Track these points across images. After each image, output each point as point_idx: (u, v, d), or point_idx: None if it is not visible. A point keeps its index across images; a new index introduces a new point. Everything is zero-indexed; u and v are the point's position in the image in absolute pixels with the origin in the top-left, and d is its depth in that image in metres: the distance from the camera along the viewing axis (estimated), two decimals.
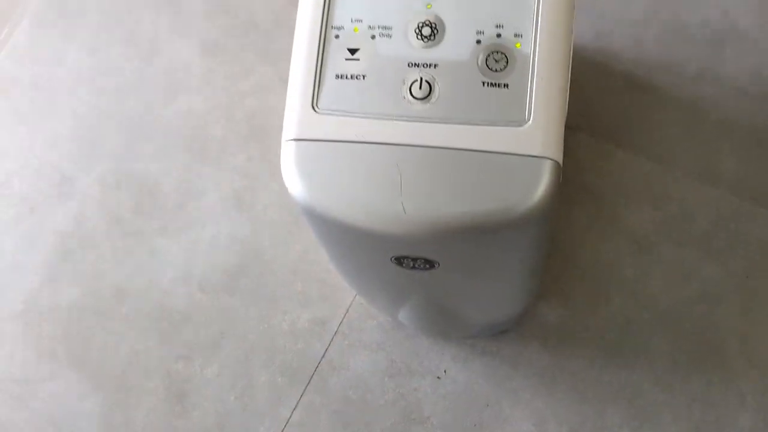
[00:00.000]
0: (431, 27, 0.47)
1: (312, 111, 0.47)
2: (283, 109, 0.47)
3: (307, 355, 0.99)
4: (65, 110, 1.09)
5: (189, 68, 1.10)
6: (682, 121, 1.02)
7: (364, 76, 0.47)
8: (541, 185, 0.45)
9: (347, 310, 0.99)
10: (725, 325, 0.94)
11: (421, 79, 0.46)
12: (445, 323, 0.77)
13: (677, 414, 0.93)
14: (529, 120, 0.45)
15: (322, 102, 0.47)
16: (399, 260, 0.50)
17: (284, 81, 0.48)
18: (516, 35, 0.46)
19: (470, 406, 0.96)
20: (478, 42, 0.46)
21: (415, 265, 0.50)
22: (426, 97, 0.46)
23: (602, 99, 1.04)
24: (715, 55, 1.04)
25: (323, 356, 0.99)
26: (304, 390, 0.98)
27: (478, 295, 0.63)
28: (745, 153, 1.00)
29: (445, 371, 0.98)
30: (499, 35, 0.46)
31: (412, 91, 0.46)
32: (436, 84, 0.46)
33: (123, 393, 0.99)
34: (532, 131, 0.45)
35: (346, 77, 0.47)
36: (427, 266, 0.51)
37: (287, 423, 0.97)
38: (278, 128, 0.47)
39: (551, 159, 0.45)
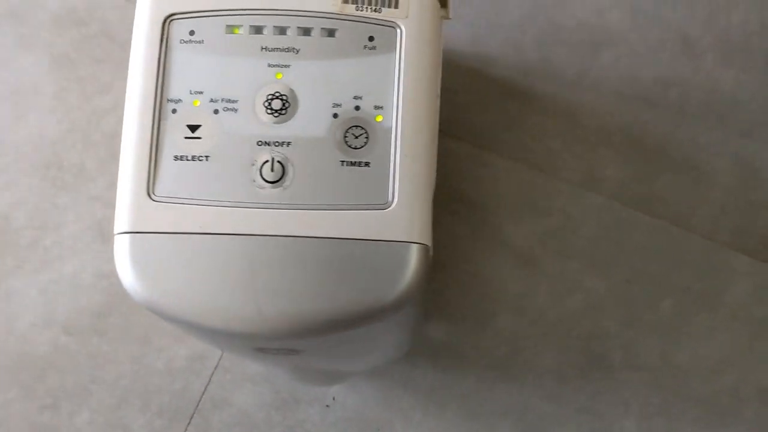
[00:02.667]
0: (282, 99, 0.41)
1: (148, 199, 0.41)
2: None
3: (187, 393, 0.93)
4: None
5: (38, 86, 0.99)
6: (562, 127, 1.01)
7: (207, 157, 0.41)
8: (408, 272, 0.41)
9: None
10: (609, 334, 0.95)
11: (273, 159, 0.41)
12: (324, 378, 0.73)
13: (566, 425, 0.93)
14: (393, 202, 0.41)
15: (160, 188, 0.41)
16: (261, 349, 0.46)
17: None
18: (376, 107, 0.42)
19: (361, 431, 0.93)
20: (335, 116, 0.42)
21: (279, 352, 0.46)
22: (278, 180, 0.41)
23: (481, 106, 1.02)
24: (592, 58, 1.03)
25: (204, 393, 0.94)
26: (185, 431, 0.93)
27: (353, 361, 0.59)
28: (625, 158, 1.00)
29: (333, 398, 0.94)
30: (357, 107, 0.42)
31: (263, 173, 0.41)
32: (289, 165, 0.41)
33: None
34: (396, 214, 0.41)
35: (187, 158, 0.41)
36: (292, 352, 0.46)
37: None
38: None
39: (418, 243, 0.41)
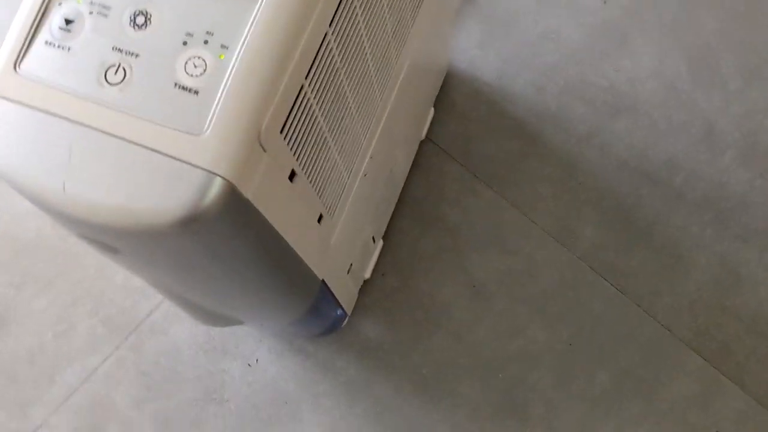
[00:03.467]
0: (145, 16, 0.47)
1: (12, 70, 0.47)
2: None
3: (132, 313, 1.00)
4: None
5: None
6: (556, 178, 1.01)
7: (69, 48, 0.47)
8: (203, 198, 0.45)
9: None
10: (536, 387, 0.94)
11: (119, 64, 0.46)
12: (203, 314, 0.77)
13: None
14: (206, 131, 0.45)
15: (26, 64, 0.47)
16: (87, 239, 0.51)
17: None
18: (223, 46, 0.46)
19: (270, 400, 0.96)
20: (185, 43, 0.46)
21: (98, 245, 0.51)
22: (118, 84, 0.46)
23: (487, 137, 1.03)
24: (609, 121, 1.03)
25: (147, 317, 1.00)
26: (119, 345, 0.99)
27: (209, 299, 0.62)
28: (608, 225, 0.99)
29: (257, 360, 0.98)
30: (206, 42, 0.46)
31: (107, 74, 0.46)
32: (131, 73, 0.46)
33: None
34: (205, 143, 0.45)
35: (54, 46, 0.47)
36: (111, 250, 0.51)
37: (94, 372, 0.98)
38: None
39: (220, 176, 0.45)
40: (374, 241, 0.93)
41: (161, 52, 0.46)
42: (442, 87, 1.05)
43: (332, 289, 0.79)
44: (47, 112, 0.46)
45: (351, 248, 0.82)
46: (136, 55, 0.46)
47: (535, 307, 0.96)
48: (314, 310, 0.80)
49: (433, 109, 1.03)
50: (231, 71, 0.46)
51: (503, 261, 0.98)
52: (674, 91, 1.03)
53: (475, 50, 1.07)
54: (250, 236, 0.52)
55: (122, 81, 0.46)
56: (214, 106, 0.46)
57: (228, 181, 0.46)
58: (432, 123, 1.03)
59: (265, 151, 0.49)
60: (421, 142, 1.03)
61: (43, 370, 0.98)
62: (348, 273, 0.85)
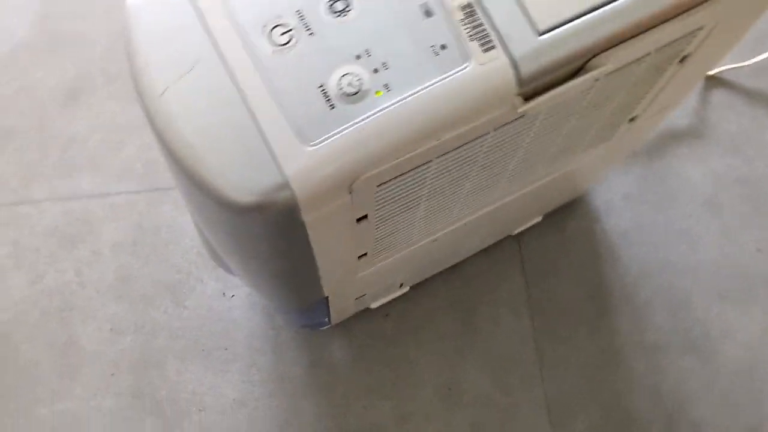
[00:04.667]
0: (346, 7, 0.43)
1: None
2: None
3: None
4: None
5: None
6: (587, 359, 0.95)
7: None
8: (263, 198, 0.42)
9: None
10: None
11: (292, 31, 0.43)
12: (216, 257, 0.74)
13: None
14: (313, 147, 0.42)
15: None
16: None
17: None
18: (386, 85, 0.42)
19: (218, 334, 0.95)
20: (357, 57, 0.43)
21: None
22: (278, 46, 0.43)
23: (567, 277, 0.98)
24: (677, 351, 0.96)
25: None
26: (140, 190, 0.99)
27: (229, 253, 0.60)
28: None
29: (232, 296, 0.96)
30: (375, 70, 0.42)
31: (275, 32, 0.43)
32: (294, 46, 0.43)
33: None
34: (303, 155, 0.42)
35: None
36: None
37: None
38: None
39: (294, 192, 0.42)
40: (401, 285, 0.90)
41: (332, 49, 0.43)
42: (562, 206, 1.00)
43: (330, 306, 0.76)
44: (204, 23, 0.43)
45: (373, 285, 0.79)
46: (311, 34, 0.43)
47: None
48: (305, 312, 0.78)
49: (541, 218, 0.98)
50: (376, 113, 0.42)
51: (490, 390, 0.94)
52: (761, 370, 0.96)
53: (618, 198, 1.01)
54: (281, 245, 0.49)
55: (282, 46, 0.43)
56: (338, 131, 0.42)
57: (296, 201, 0.43)
58: (530, 229, 0.98)
59: (350, 193, 0.45)
60: (505, 238, 0.98)
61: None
62: (356, 299, 0.82)
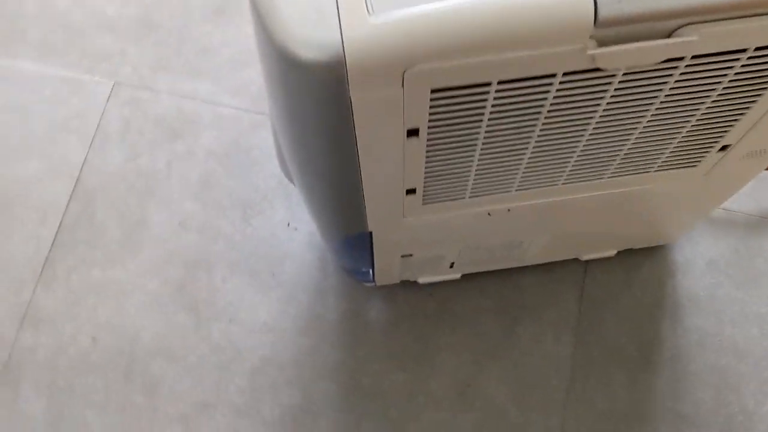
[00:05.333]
0: None
1: None
2: None
3: None
4: None
5: None
6: (609, 417, 0.91)
7: None
8: (315, 56, 0.44)
9: None
10: None
11: None
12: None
13: None
14: (379, 17, 0.44)
15: None
16: None
17: None
18: None
19: (264, 257, 0.98)
20: None
21: None
22: None
23: (621, 328, 0.95)
24: None
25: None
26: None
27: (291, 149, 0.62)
28: None
29: (296, 229, 0.99)
30: None
31: None
32: None
33: None
34: (366, 24, 0.44)
35: None
36: None
37: None
38: None
39: (345, 54, 0.44)
40: (451, 266, 0.89)
41: None
42: (641, 249, 0.96)
43: (374, 250, 0.77)
44: None
45: (420, 247, 0.79)
46: None
47: None
48: (349, 248, 0.79)
49: (615, 252, 0.95)
50: (447, 3, 0.44)
51: (507, 403, 0.91)
52: None
53: (701, 261, 0.97)
54: (328, 118, 0.51)
55: None
56: (405, 10, 0.44)
57: (346, 68, 0.45)
58: (601, 260, 0.96)
59: (402, 86, 0.47)
60: (572, 260, 0.96)
61: None
62: (402, 257, 0.83)
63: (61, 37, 1.09)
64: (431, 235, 0.76)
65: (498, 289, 0.96)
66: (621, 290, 0.96)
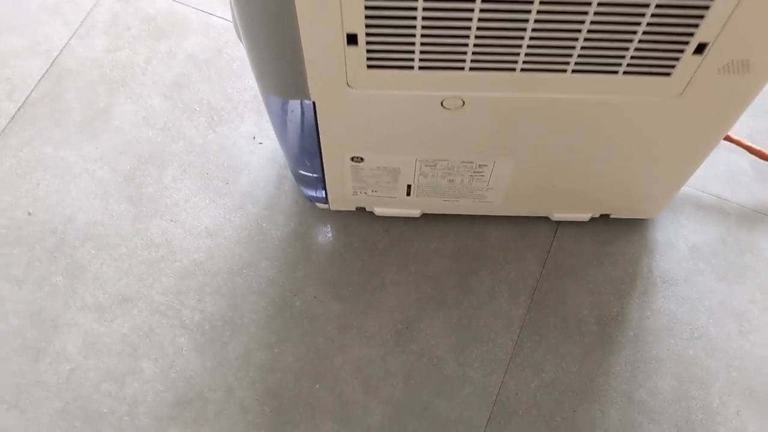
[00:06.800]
0: None
1: None
2: None
3: None
4: None
5: None
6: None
7: None
8: None
9: None
10: None
11: None
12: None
13: None
14: None
15: None
16: None
17: None
18: None
19: (222, 166, 0.93)
20: None
21: None
22: None
23: (584, 298, 0.87)
24: None
25: None
26: None
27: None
28: None
29: (260, 144, 0.94)
30: None
31: None
32: None
33: None
34: None
35: None
36: None
37: None
38: None
39: None
40: (408, 193, 0.83)
41: None
42: (618, 222, 0.89)
43: (321, 136, 0.72)
44: None
45: (371, 145, 0.74)
46: None
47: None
48: (293, 127, 0.74)
49: (589, 216, 0.88)
50: None
51: (446, 352, 0.83)
52: None
53: (683, 245, 0.89)
54: None
55: None
56: None
57: None
58: (573, 225, 0.89)
59: None
60: (543, 220, 0.89)
61: None
62: (353, 162, 0.77)
63: None
64: (381, 124, 0.70)
65: (459, 236, 0.89)
66: (590, 260, 0.88)
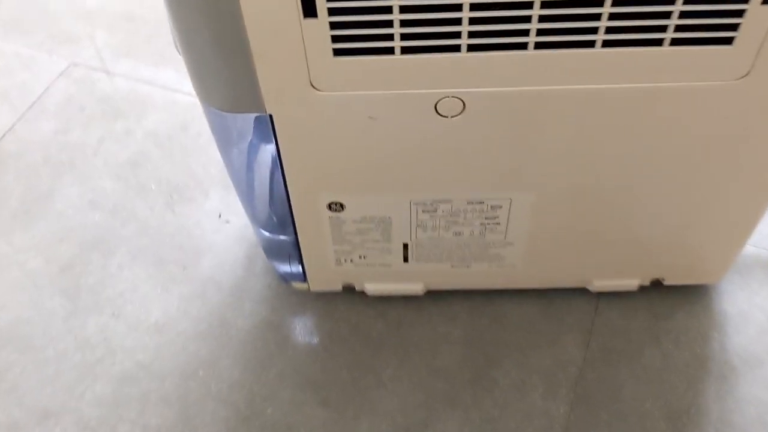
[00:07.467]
0: None
1: None
2: None
3: None
4: None
5: None
6: None
7: None
8: None
9: None
10: None
11: None
12: None
13: None
14: None
15: None
16: None
17: None
18: None
19: (177, 248, 0.76)
20: None
21: None
22: None
23: (637, 389, 0.67)
24: None
25: None
26: None
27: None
28: None
29: (227, 222, 0.79)
30: None
31: None
32: None
33: None
34: None
35: None
36: None
37: None
38: None
39: None
40: (406, 257, 0.66)
41: None
42: (674, 289, 0.71)
43: (283, 165, 0.56)
44: None
45: (348, 176, 0.58)
46: None
47: None
48: (266, 211, 0.59)
49: (637, 285, 0.69)
50: None
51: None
52: None
53: (762, 316, 0.69)
54: None
55: None
56: None
57: None
58: (618, 296, 0.70)
59: None
60: (578, 290, 0.71)
61: None
62: (331, 212, 0.60)
63: (32, 18, 1.00)
64: (360, 145, 0.54)
65: (472, 317, 0.70)
66: (644, 339, 0.69)
